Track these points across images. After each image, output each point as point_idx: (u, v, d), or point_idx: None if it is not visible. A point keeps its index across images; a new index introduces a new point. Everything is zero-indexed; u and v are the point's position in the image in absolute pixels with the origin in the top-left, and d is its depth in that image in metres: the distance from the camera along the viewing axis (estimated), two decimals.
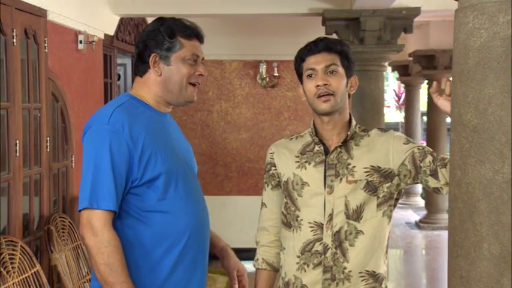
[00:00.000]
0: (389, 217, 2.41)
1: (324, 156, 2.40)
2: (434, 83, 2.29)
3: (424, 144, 12.15)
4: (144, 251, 2.35)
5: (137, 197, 2.34)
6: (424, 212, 10.91)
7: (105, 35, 5.87)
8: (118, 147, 2.26)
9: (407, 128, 12.49)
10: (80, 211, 2.26)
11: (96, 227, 2.22)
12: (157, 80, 2.41)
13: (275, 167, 2.50)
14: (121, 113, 2.32)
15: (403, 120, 14.13)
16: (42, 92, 4.32)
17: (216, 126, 8.30)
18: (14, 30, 3.85)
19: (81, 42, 4.98)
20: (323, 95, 2.34)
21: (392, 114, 23.64)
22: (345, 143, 2.40)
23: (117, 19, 6.22)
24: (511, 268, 1.67)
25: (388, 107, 24.53)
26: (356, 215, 2.35)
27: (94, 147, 2.29)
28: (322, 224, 2.36)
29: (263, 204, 2.55)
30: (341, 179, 2.36)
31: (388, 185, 2.37)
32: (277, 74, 8.21)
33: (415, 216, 11.40)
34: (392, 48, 6.05)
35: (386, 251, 2.45)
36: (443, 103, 2.24)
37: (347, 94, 2.42)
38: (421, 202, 11.86)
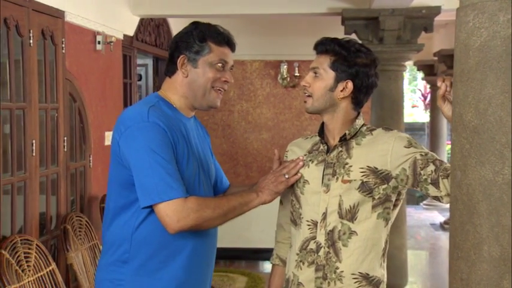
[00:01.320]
0: (387, 220, 2.38)
1: (325, 155, 2.40)
2: (443, 85, 2.21)
3: (449, 145, 12.03)
4: (158, 251, 2.38)
5: None
6: (449, 214, 10.79)
7: (125, 36, 5.90)
8: (165, 140, 2.30)
9: (433, 128, 12.37)
10: (146, 207, 2.28)
11: (182, 210, 2.24)
12: (184, 82, 2.45)
13: None
14: (156, 111, 2.35)
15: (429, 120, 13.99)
16: (59, 92, 4.36)
17: (237, 126, 8.32)
18: (31, 31, 3.89)
19: (99, 42, 5.02)
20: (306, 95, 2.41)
21: (421, 114, 23.43)
22: (346, 142, 2.39)
23: (137, 20, 6.25)
24: (511, 271, 1.64)
25: (417, 106, 24.31)
26: (350, 215, 2.33)
27: (143, 145, 2.29)
28: (317, 222, 2.36)
29: (280, 202, 2.59)
30: (337, 178, 2.35)
31: (384, 186, 2.33)
32: (298, 74, 8.20)
33: (440, 218, 11.30)
34: (412, 47, 6.00)
35: (384, 254, 2.42)
36: (450, 108, 2.13)
37: (335, 97, 2.38)
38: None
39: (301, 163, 2.40)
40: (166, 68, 2.51)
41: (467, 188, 1.71)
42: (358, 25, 6.06)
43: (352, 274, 2.33)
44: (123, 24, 5.86)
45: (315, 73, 2.38)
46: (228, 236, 8.87)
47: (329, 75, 2.36)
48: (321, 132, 2.46)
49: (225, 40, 2.45)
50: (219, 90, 2.47)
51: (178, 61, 2.43)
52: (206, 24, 2.48)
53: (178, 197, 2.24)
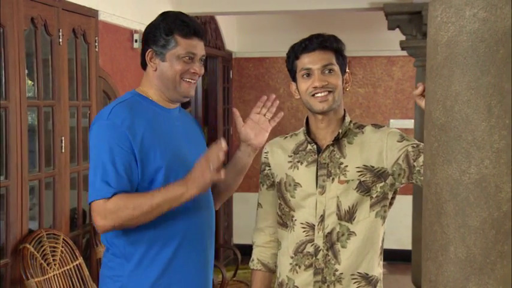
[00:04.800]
0: (383, 218, 2.34)
1: (316, 156, 2.34)
2: (420, 86, 2.18)
3: None
4: (144, 247, 2.40)
5: None
6: None
7: None
8: (117, 140, 2.31)
9: None
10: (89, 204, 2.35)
11: (101, 211, 2.27)
12: (155, 75, 2.46)
13: (269, 167, 2.47)
14: (121, 108, 2.37)
15: None
16: (92, 90, 4.45)
17: (286, 124, 8.26)
18: (60, 30, 3.97)
19: (136, 41, 5.09)
20: (320, 94, 2.30)
21: None
22: (337, 141, 2.33)
23: None
24: (477, 272, 1.60)
25: None
26: (348, 216, 2.28)
27: (95, 144, 2.37)
28: (314, 225, 2.31)
29: (259, 205, 2.52)
30: (333, 179, 2.30)
31: (381, 184, 2.29)
32: (348, 71, 8.08)
33: None
34: None
35: (381, 253, 2.38)
36: None
37: (342, 91, 2.37)
38: None
39: (222, 155, 2.21)
40: (140, 61, 2.52)
41: (436, 188, 1.67)
42: (401, 20, 5.93)
43: (352, 275, 2.30)
44: None
45: (329, 70, 2.31)
46: None
47: (338, 69, 2.34)
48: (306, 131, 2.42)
49: (192, 32, 2.41)
50: (189, 81, 2.44)
51: (146, 55, 2.44)
52: (174, 15, 2.46)
53: (101, 198, 2.26)
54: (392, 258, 7.32)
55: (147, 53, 2.44)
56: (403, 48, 6.01)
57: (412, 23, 5.91)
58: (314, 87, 2.30)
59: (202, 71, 2.48)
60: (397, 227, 7.34)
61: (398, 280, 7.22)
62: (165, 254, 2.40)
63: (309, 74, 2.32)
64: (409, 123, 7.57)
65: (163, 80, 2.44)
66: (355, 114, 8.20)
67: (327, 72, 2.30)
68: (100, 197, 2.27)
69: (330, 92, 2.30)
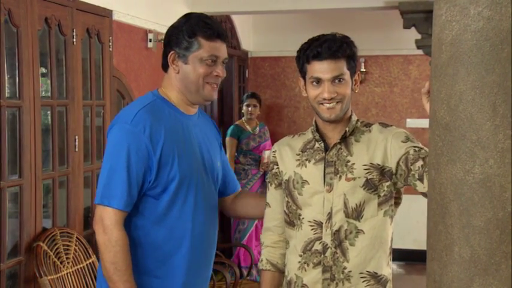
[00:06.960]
0: (392, 217, 2.34)
1: (323, 154, 2.35)
2: (427, 84, 2.17)
3: None
4: (151, 251, 2.41)
5: (152, 199, 2.39)
6: None
7: None
8: (136, 149, 2.31)
9: None
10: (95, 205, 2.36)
11: (106, 225, 2.29)
12: (177, 77, 2.44)
13: (277, 165, 2.47)
14: (145, 114, 2.36)
15: None
16: (106, 90, 4.46)
17: (302, 123, 8.26)
18: (74, 30, 3.99)
19: (150, 40, 5.10)
20: (328, 104, 2.30)
21: None
22: (344, 139, 2.34)
23: None
24: (482, 273, 1.59)
25: None
26: (356, 213, 2.29)
27: (113, 146, 2.36)
28: (322, 223, 2.31)
29: (267, 204, 2.52)
30: (340, 177, 2.30)
31: (388, 183, 2.30)
32: (365, 70, 8.07)
33: None
34: None
35: (390, 253, 2.37)
36: None
37: (352, 92, 2.37)
38: None
39: None
40: (162, 63, 2.50)
41: (440, 187, 1.67)
42: (417, 18, 5.90)
43: (360, 273, 2.30)
44: None
45: (340, 79, 2.30)
46: None
47: (348, 76, 2.34)
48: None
49: (215, 34, 2.40)
50: (213, 84, 2.44)
51: (168, 57, 2.42)
52: (197, 17, 2.43)
53: (111, 207, 2.29)
54: (409, 258, 7.29)
55: (169, 55, 2.42)
56: (418, 47, 5.98)
57: (427, 21, 5.87)
58: (323, 98, 2.30)
59: (225, 74, 2.47)
60: (414, 227, 7.30)
61: (415, 280, 7.18)
62: (173, 263, 2.42)
63: (318, 81, 2.31)
64: (426, 123, 7.47)
65: (186, 83, 2.42)
66: (371, 113, 8.18)
67: (337, 81, 2.30)
68: (111, 205, 2.30)
69: (338, 102, 2.31)
